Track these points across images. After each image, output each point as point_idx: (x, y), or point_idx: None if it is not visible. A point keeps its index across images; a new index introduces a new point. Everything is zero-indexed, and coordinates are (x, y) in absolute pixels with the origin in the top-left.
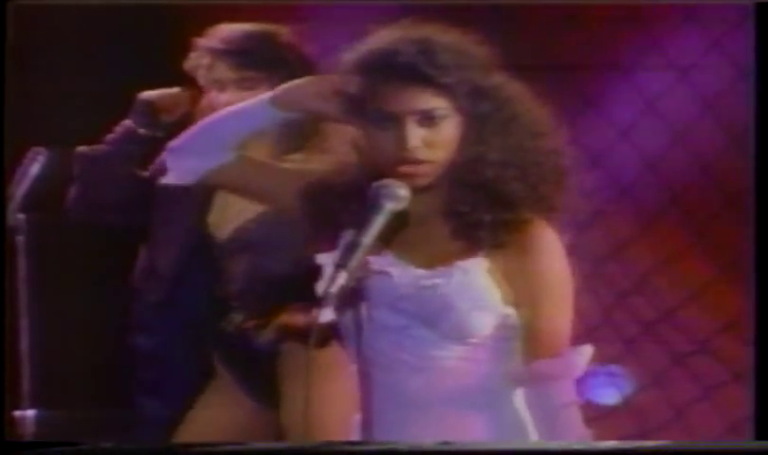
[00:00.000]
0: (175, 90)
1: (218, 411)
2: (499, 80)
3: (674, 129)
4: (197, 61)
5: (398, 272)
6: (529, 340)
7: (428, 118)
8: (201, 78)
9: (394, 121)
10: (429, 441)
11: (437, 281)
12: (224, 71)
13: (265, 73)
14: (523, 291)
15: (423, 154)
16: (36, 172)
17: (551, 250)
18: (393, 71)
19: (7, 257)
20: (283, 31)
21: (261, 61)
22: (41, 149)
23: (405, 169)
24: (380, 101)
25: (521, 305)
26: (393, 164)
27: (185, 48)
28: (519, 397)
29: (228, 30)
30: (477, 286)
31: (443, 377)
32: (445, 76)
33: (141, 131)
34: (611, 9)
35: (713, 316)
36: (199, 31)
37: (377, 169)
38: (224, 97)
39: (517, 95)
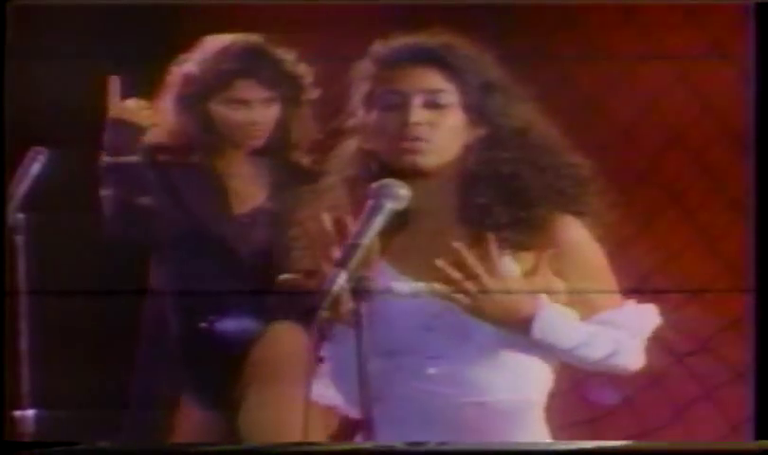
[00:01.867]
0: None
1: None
2: (508, 88)
3: (674, 128)
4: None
5: (416, 291)
6: (585, 305)
7: (433, 102)
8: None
9: (402, 100)
10: (428, 441)
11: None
12: (250, 91)
13: (278, 92)
14: (565, 279)
15: (425, 132)
16: (36, 171)
17: (582, 239)
18: (412, 56)
19: (6, 257)
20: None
21: (275, 80)
22: (41, 149)
23: (406, 145)
24: (391, 82)
25: (567, 284)
26: (396, 141)
27: (186, 48)
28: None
29: (232, 46)
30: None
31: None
32: (458, 60)
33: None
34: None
35: (713, 315)
36: (201, 31)
37: (381, 152)
38: (240, 114)
39: (527, 108)
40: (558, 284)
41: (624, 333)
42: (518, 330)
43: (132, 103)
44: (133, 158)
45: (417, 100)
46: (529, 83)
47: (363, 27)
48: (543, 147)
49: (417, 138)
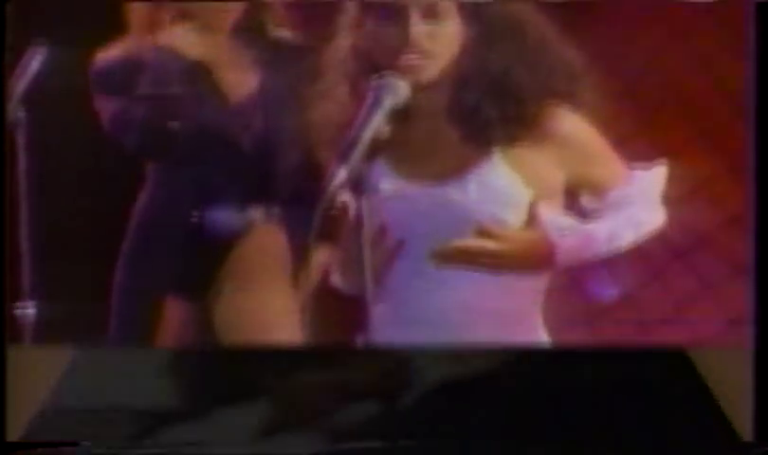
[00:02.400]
0: None
1: None
2: None
3: (675, 25)
4: None
5: (412, 191)
6: (594, 188)
7: (431, 12)
8: None
9: (399, 14)
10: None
11: (451, 193)
12: None
13: None
14: (565, 166)
15: (425, 45)
16: (36, 68)
17: (577, 127)
18: None
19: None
20: None
21: None
22: (41, 45)
23: (407, 60)
24: None
25: (569, 174)
26: (396, 56)
27: None
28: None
29: None
30: (496, 191)
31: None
32: None
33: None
34: None
35: (714, 211)
36: None
37: (379, 60)
38: None
39: (524, 11)
40: (558, 175)
41: (638, 206)
42: (544, 270)
43: (180, 30)
44: (173, 90)
45: (416, 13)
46: None
47: None
48: (536, 43)
49: (418, 54)
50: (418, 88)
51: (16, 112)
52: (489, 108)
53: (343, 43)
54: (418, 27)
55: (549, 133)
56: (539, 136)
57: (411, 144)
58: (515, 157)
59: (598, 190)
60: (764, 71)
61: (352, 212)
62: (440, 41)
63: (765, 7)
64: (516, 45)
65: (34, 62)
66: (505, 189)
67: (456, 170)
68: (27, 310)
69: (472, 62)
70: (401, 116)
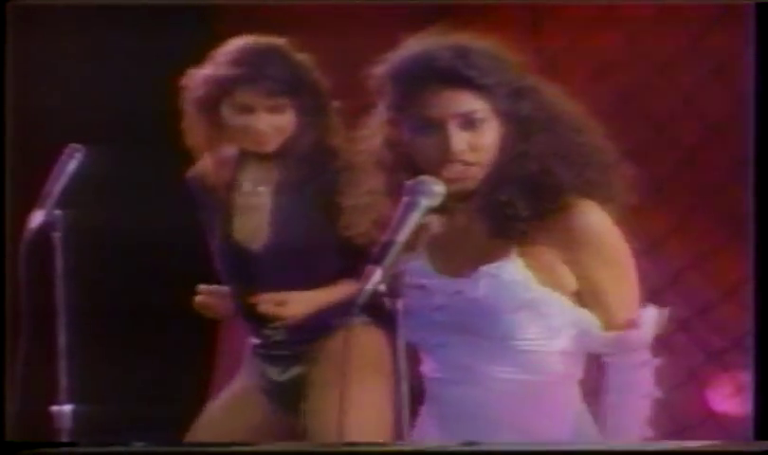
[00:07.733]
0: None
1: (236, 413)
2: (534, 81)
3: (683, 95)
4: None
5: (431, 283)
6: (598, 308)
7: (469, 122)
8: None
9: (437, 127)
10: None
11: (462, 287)
12: (253, 97)
13: (291, 99)
14: (579, 268)
15: (468, 157)
16: (73, 168)
17: (600, 223)
18: (432, 76)
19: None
20: (295, 48)
21: (287, 86)
22: (78, 146)
23: (451, 174)
24: (421, 107)
25: (581, 278)
26: (439, 168)
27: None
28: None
29: (243, 50)
30: (508, 287)
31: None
32: (483, 78)
33: None
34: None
35: (716, 283)
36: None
37: (423, 172)
38: (258, 119)
39: (554, 95)
40: (570, 279)
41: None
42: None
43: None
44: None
45: (454, 124)
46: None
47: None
48: (571, 134)
49: (464, 164)
50: (460, 195)
51: (53, 212)
52: (519, 203)
53: (375, 140)
54: (459, 139)
55: (570, 226)
56: (559, 232)
57: (444, 238)
58: (532, 254)
59: (606, 317)
60: (764, 74)
61: (387, 317)
62: (482, 151)
63: (765, 7)
64: (552, 137)
65: (71, 162)
66: (515, 285)
67: (473, 264)
68: (64, 408)
69: (509, 159)
70: (435, 211)
